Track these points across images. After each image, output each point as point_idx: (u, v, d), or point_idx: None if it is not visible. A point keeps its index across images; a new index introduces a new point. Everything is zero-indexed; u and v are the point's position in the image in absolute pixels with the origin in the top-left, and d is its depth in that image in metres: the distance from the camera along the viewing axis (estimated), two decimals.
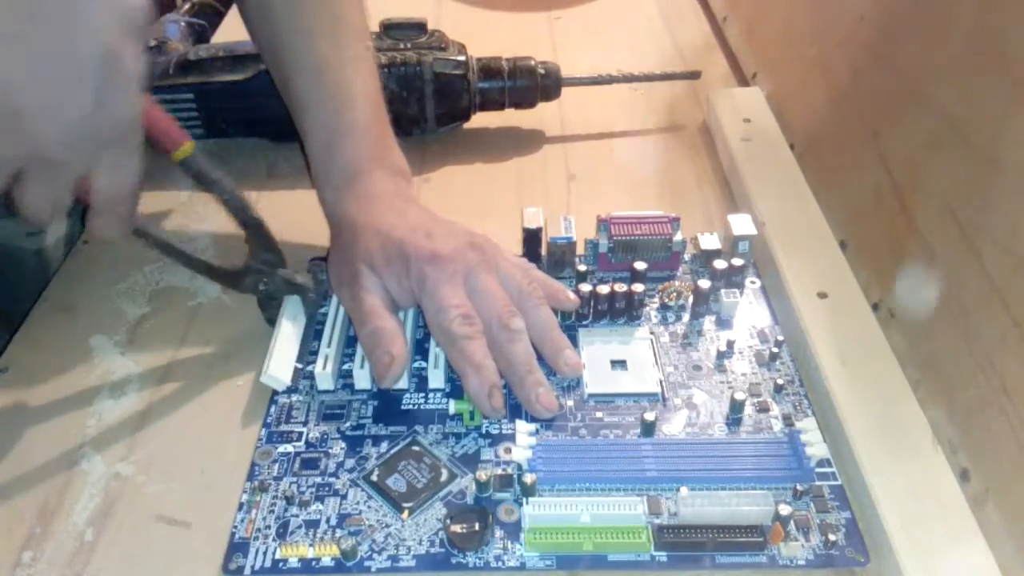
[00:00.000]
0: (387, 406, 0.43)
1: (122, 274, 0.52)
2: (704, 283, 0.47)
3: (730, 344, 0.46)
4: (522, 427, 0.41)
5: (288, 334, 0.45)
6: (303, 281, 0.47)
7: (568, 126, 0.67)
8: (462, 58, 0.61)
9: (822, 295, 0.47)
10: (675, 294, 0.48)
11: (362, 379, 0.43)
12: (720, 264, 0.48)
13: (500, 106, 0.63)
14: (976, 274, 0.39)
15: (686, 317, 0.48)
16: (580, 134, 0.66)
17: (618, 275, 0.49)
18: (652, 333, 0.47)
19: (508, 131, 0.66)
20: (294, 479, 0.39)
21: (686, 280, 0.50)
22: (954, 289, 0.40)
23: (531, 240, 0.50)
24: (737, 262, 0.49)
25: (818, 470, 0.39)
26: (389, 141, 0.50)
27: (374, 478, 0.39)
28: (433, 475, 0.39)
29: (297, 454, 0.40)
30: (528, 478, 0.38)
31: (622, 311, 0.47)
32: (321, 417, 0.42)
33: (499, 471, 0.39)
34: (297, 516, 0.38)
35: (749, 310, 0.48)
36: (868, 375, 0.42)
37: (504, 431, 0.42)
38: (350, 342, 0.45)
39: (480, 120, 0.64)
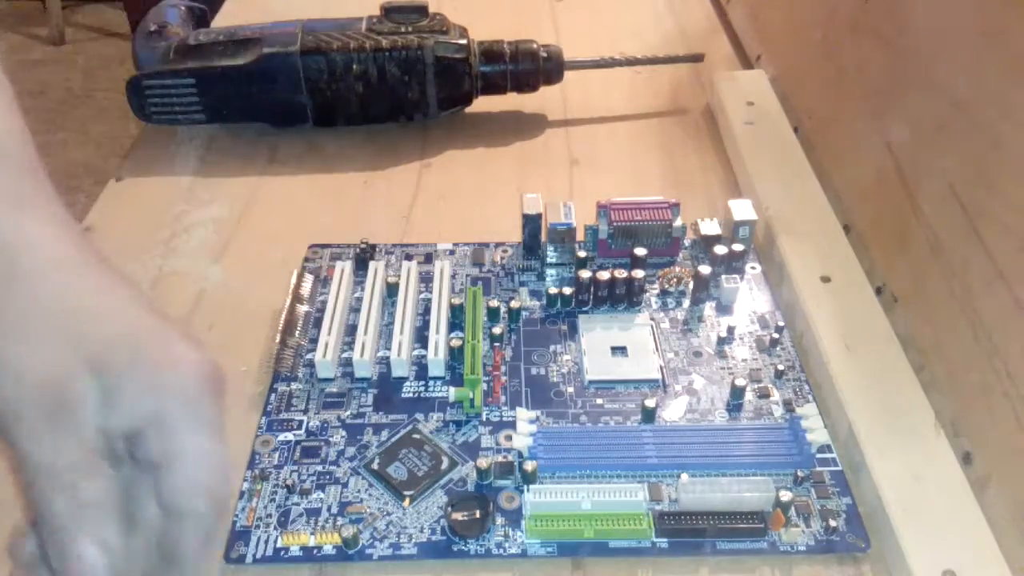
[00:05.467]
0: (387, 394, 0.43)
1: (125, 260, 0.52)
2: (704, 269, 0.47)
3: (730, 330, 0.45)
4: (523, 414, 0.41)
5: None
6: None
7: (570, 110, 0.66)
8: (464, 41, 0.60)
9: (825, 279, 0.46)
10: (675, 280, 0.48)
11: (362, 368, 0.43)
12: (720, 250, 0.48)
13: (502, 90, 0.63)
14: (980, 257, 0.39)
15: (686, 303, 0.48)
16: (583, 118, 0.66)
17: (618, 261, 0.49)
18: (652, 319, 0.47)
19: (510, 115, 0.65)
20: (295, 467, 0.39)
21: (686, 266, 0.49)
22: (958, 272, 0.40)
23: (531, 226, 0.50)
24: (737, 247, 0.49)
25: (819, 456, 0.39)
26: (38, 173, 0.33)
27: (375, 466, 0.39)
28: (434, 463, 0.39)
29: (297, 442, 0.40)
30: (529, 465, 0.38)
31: (622, 297, 0.47)
32: (321, 405, 0.42)
33: (500, 458, 0.39)
34: (298, 504, 0.38)
35: (749, 296, 0.48)
36: (871, 359, 0.42)
37: (505, 419, 0.41)
38: (350, 330, 0.45)
39: (482, 104, 0.64)
